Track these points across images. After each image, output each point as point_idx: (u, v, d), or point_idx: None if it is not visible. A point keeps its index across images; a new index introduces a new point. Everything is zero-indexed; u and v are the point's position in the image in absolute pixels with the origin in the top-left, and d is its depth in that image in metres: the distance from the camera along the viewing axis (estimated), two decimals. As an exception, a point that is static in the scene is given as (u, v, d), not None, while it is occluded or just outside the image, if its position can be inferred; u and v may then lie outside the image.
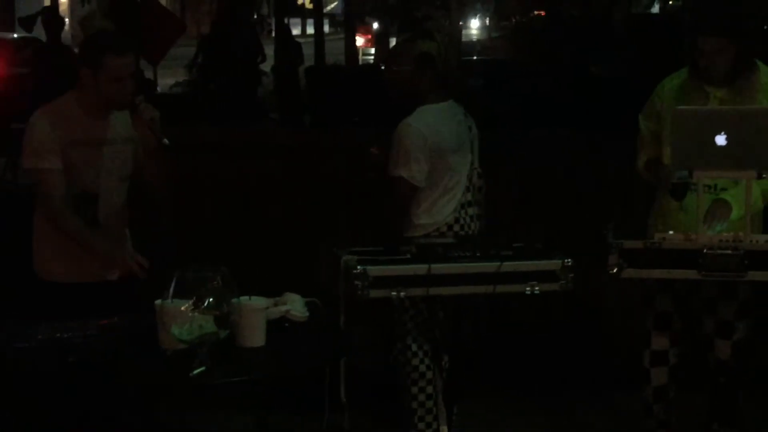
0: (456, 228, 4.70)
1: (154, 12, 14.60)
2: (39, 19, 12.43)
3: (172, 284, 3.34)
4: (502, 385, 5.82)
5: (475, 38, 43.37)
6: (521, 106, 13.14)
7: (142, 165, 4.60)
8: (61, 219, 4.45)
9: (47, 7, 16.60)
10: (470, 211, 4.76)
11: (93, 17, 4.70)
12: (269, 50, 19.11)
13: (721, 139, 4.19)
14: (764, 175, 4.24)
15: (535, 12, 34.78)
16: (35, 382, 3.51)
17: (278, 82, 18.25)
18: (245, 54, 17.00)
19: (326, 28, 35.35)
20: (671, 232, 4.33)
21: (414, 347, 4.69)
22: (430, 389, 4.65)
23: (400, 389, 4.78)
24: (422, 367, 4.68)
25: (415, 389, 4.70)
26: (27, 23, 12.72)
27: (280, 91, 17.96)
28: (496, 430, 5.51)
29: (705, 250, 4.17)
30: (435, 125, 4.66)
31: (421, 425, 4.73)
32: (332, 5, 48.82)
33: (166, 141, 4.42)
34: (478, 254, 4.22)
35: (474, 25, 49.40)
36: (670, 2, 34.07)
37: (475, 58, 22.13)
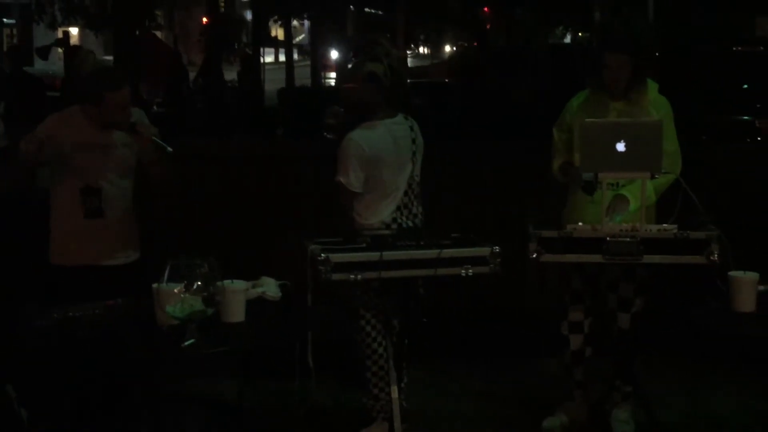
0: (394, 226, 4.64)
1: (151, 45, 14.50)
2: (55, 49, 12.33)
3: (167, 270, 3.32)
4: (444, 353, 5.82)
5: (410, 64, 43.43)
6: (454, 122, 13.14)
7: (147, 169, 4.55)
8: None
9: (59, 38, 16.40)
10: (408, 212, 4.70)
11: (87, 58, 4.52)
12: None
13: (621, 146, 4.21)
14: (656, 176, 4.28)
15: (464, 44, 34.90)
16: (53, 355, 3.48)
17: (241, 101, 18.32)
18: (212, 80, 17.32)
19: (295, 56, 35.32)
20: (581, 223, 4.35)
21: (368, 329, 4.65)
22: (382, 362, 4.63)
23: (358, 360, 4.76)
24: (375, 345, 4.66)
25: (369, 362, 4.68)
26: (42, 53, 12.57)
27: (243, 109, 18.05)
28: (438, 391, 5.49)
29: (608, 239, 4.19)
30: (374, 139, 4.56)
31: (375, 390, 4.72)
32: (300, 37, 48.67)
33: (169, 149, 4.38)
34: (421, 243, 4.21)
35: (409, 53, 49.53)
36: (579, 34, 34.31)
37: (409, 81, 21.95)
